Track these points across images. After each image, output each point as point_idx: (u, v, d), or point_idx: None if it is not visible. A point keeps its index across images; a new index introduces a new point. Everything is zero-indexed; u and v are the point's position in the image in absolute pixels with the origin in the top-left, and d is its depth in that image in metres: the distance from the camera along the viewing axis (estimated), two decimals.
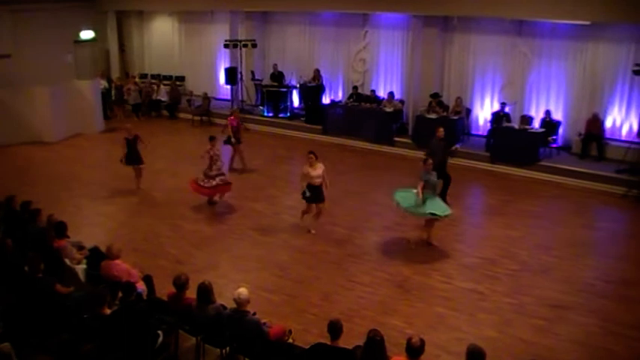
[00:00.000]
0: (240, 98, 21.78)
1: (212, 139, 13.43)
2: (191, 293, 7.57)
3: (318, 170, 11.63)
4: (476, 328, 8.75)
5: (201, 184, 13.16)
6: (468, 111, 17.90)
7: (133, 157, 14.37)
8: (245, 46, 20.98)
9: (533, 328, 8.76)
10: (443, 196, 12.61)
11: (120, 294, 7.46)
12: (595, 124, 15.74)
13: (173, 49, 25.11)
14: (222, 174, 13.37)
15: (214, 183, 13.12)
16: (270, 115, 20.83)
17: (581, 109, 16.26)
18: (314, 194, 11.74)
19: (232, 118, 15.98)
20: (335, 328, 6.52)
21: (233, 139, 15.74)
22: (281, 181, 15.29)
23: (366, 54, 19.98)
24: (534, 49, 16.71)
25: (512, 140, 15.96)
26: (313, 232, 12.06)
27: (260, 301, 9.09)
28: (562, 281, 10.10)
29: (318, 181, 11.65)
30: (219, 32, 22.85)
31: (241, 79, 21.33)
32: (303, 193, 11.77)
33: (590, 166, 15.21)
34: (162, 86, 23.44)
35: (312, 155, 11.65)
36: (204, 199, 13.69)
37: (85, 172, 16.22)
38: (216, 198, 13.62)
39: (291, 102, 21.08)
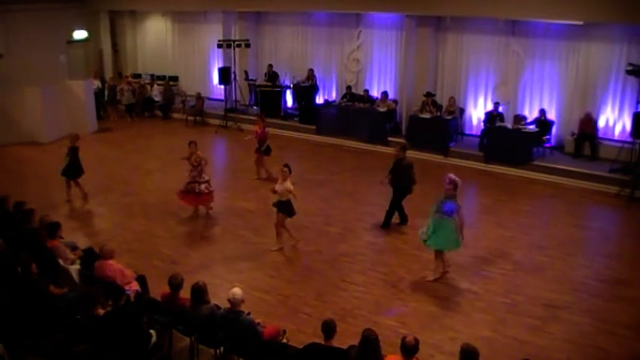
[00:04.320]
0: (233, 98, 21.76)
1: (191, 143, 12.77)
2: (185, 293, 7.56)
3: (280, 187, 10.99)
4: (470, 328, 8.77)
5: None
6: (462, 111, 17.93)
7: (77, 169, 13.69)
8: (239, 46, 20.94)
9: (527, 328, 8.79)
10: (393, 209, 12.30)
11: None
12: (588, 123, 15.79)
13: (166, 49, 25.06)
14: (196, 182, 12.54)
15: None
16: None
17: (574, 109, 16.31)
18: (283, 208, 11.14)
19: (257, 127, 15.30)
20: (328, 328, 6.53)
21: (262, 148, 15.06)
22: (274, 181, 15.23)
23: (359, 54, 19.99)
24: (527, 49, 16.75)
25: (506, 140, 16.01)
26: (275, 249, 11.35)
27: (254, 301, 9.10)
28: (555, 281, 10.13)
29: (279, 197, 11.07)
30: (212, 32, 22.81)
31: (235, 79, 21.30)
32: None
33: (584, 166, 15.26)
34: (155, 86, 23.38)
35: (285, 169, 11.02)
36: None
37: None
38: (202, 209, 13.05)
39: (285, 102, 21.07)
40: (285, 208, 11.11)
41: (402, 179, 11.94)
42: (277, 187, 11.08)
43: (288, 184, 10.92)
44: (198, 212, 13.01)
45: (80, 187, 13.87)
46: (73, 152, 13.64)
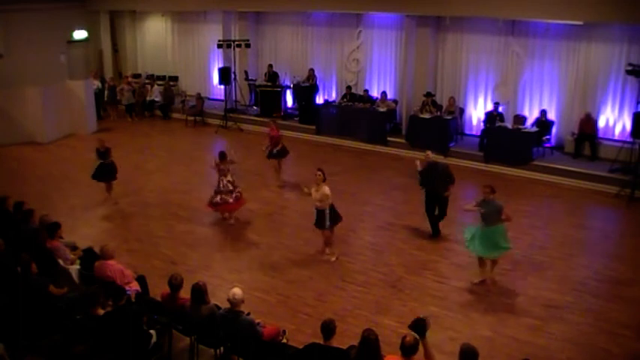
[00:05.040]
0: (233, 98, 21.77)
1: (221, 156, 12.43)
2: (185, 293, 7.57)
3: (317, 194, 10.51)
4: (469, 328, 8.78)
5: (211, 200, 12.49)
6: (462, 111, 17.92)
7: (109, 171, 13.78)
8: (239, 46, 20.94)
9: (527, 328, 8.79)
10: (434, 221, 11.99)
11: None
12: (588, 123, 15.78)
13: (166, 49, 25.06)
14: (229, 191, 12.35)
15: (218, 199, 12.35)
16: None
17: (574, 109, 16.30)
18: (316, 218, 10.71)
19: (269, 130, 14.89)
20: (327, 329, 6.52)
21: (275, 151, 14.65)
22: (274, 181, 15.25)
23: (359, 54, 19.98)
24: (527, 49, 16.73)
25: (506, 140, 16.00)
26: (333, 259, 10.94)
27: (254, 302, 9.11)
28: (555, 281, 10.13)
29: (317, 204, 10.58)
30: (212, 32, 22.80)
31: (235, 79, 21.30)
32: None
33: (584, 166, 15.26)
34: (155, 86, 23.38)
35: (319, 173, 10.53)
36: (196, 200, 13.69)
37: (78, 172, 16.14)
38: (226, 215, 12.79)
39: (285, 102, 21.07)
40: (331, 217, 10.64)
41: (439, 182, 11.62)
42: (313, 194, 10.54)
43: (326, 189, 10.45)
44: (227, 217, 12.75)
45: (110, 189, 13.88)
46: (106, 155, 13.64)
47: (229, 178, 12.40)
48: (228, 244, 11.75)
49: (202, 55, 24.08)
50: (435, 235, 11.94)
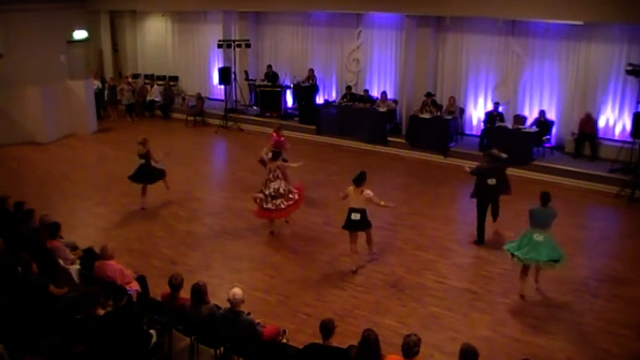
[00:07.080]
0: (233, 98, 21.77)
1: (275, 155, 12.00)
2: (185, 293, 7.57)
3: (360, 197, 10.27)
4: (469, 328, 8.77)
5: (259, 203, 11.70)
6: (462, 111, 17.92)
7: (152, 173, 13.29)
8: (239, 46, 20.94)
9: (527, 328, 8.79)
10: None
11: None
12: (588, 123, 15.78)
13: (166, 49, 25.05)
14: (278, 196, 11.53)
15: (269, 205, 11.57)
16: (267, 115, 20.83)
17: (574, 109, 16.29)
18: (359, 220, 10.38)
19: (274, 135, 14.14)
20: (326, 328, 6.53)
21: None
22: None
23: (359, 54, 19.98)
24: (527, 49, 16.73)
25: (506, 140, 15.96)
26: (354, 269, 10.52)
27: (254, 301, 9.10)
28: (555, 281, 10.11)
29: (360, 205, 10.32)
30: (212, 32, 22.80)
31: (235, 79, 21.30)
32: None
33: (584, 166, 15.25)
34: (155, 86, 23.38)
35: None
36: (196, 200, 13.65)
37: (78, 172, 16.17)
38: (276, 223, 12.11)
39: (285, 102, 21.07)
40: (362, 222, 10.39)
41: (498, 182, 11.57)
42: (353, 196, 10.32)
43: (367, 192, 10.24)
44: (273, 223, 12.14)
45: (145, 193, 13.43)
46: (147, 156, 13.17)
47: (279, 183, 11.64)
48: (227, 244, 11.73)
49: (202, 55, 24.07)
50: (481, 242, 11.59)
